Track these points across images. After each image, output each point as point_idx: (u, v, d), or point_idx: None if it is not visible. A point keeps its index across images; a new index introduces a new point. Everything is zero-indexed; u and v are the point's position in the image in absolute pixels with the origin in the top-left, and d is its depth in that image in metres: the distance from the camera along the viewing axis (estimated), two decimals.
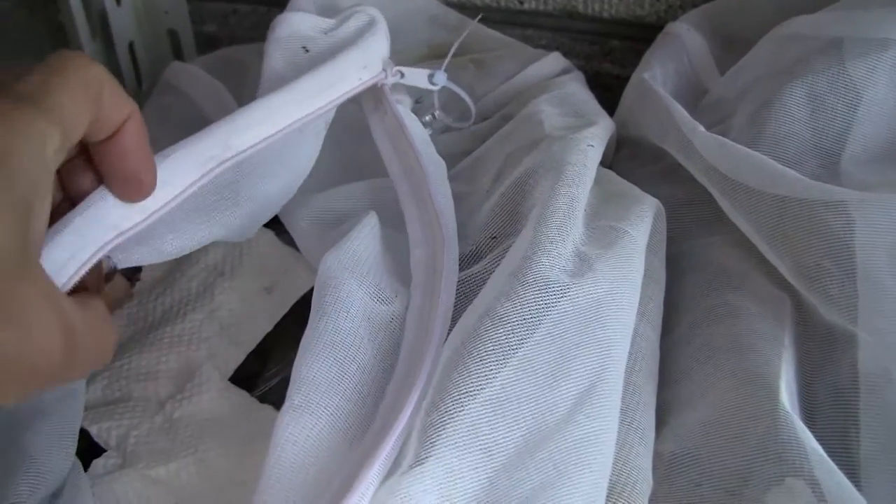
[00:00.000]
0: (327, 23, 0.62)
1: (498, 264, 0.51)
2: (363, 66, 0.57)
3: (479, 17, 0.72)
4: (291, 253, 0.58)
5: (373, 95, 0.59)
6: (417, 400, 0.41)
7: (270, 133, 0.49)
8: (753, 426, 0.46)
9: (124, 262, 0.45)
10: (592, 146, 0.57)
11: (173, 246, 0.48)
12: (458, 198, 0.58)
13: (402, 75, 0.61)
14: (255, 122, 0.48)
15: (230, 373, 0.53)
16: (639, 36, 0.79)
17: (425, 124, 0.66)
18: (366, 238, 0.50)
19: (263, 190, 0.53)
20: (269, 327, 0.54)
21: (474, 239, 0.54)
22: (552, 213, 0.49)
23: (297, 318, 0.56)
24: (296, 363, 0.43)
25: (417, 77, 0.62)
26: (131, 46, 0.86)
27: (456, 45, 0.66)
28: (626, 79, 0.72)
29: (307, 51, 0.60)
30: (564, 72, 0.73)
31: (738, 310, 0.54)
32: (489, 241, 0.54)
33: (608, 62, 0.82)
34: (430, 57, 0.77)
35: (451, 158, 0.65)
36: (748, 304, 0.54)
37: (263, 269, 0.58)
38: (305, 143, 0.57)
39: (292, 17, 0.61)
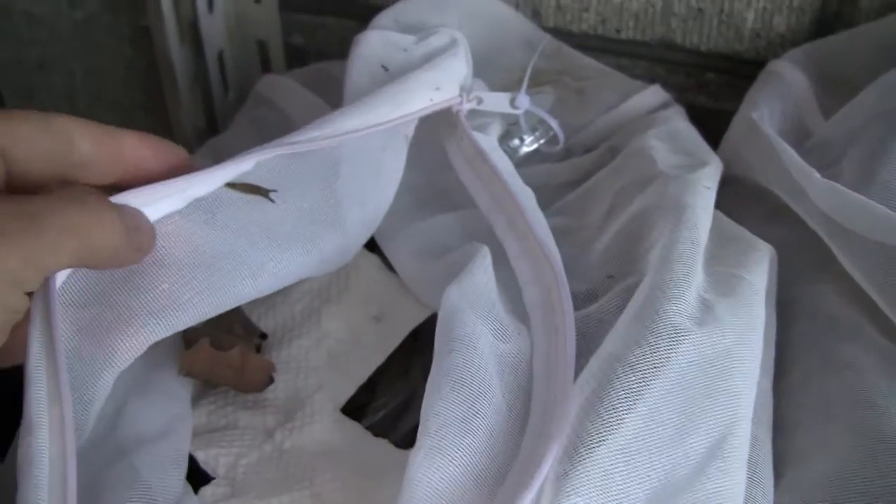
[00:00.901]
0: (406, 40, 0.61)
1: (615, 304, 0.50)
2: (435, 86, 0.56)
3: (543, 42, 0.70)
4: (397, 281, 0.57)
5: (447, 120, 0.58)
6: (556, 452, 0.40)
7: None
8: (879, 482, 0.45)
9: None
10: (709, 188, 0.56)
11: (274, 277, 0.47)
12: (566, 232, 0.57)
13: (481, 101, 0.60)
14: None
15: (341, 404, 0.52)
16: (735, 71, 0.79)
17: (513, 149, 0.65)
18: (485, 273, 0.49)
19: (359, 214, 0.53)
20: (380, 360, 0.54)
21: (589, 277, 0.53)
22: (676, 259, 0.48)
23: (403, 347, 0.55)
24: (426, 400, 0.42)
25: (498, 102, 0.61)
26: (220, 55, 0.85)
27: (531, 67, 0.65)
28: (720, 113, 0.72)
29: (386, 69, 0.59)
30: (665, 105, 0.72)
31: (853, 362, 0.52)
32: (605, 281, 0.53)
33: (703, 95, 0.81)
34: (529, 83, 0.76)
35: (553, 190, 0.65)
36: (863, 357, 0.53)
37: (371, 297, 0.57)
38: (389, 164, 0.56)
39: (372, 35, 0.61)
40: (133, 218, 0.39)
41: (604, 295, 0.52)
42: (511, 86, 0.71)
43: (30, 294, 0.37)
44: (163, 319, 0.42)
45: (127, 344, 0.42)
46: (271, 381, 0.52)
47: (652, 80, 0.74)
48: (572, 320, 0.47)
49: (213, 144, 0.72)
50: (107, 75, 0.98)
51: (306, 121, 0.63)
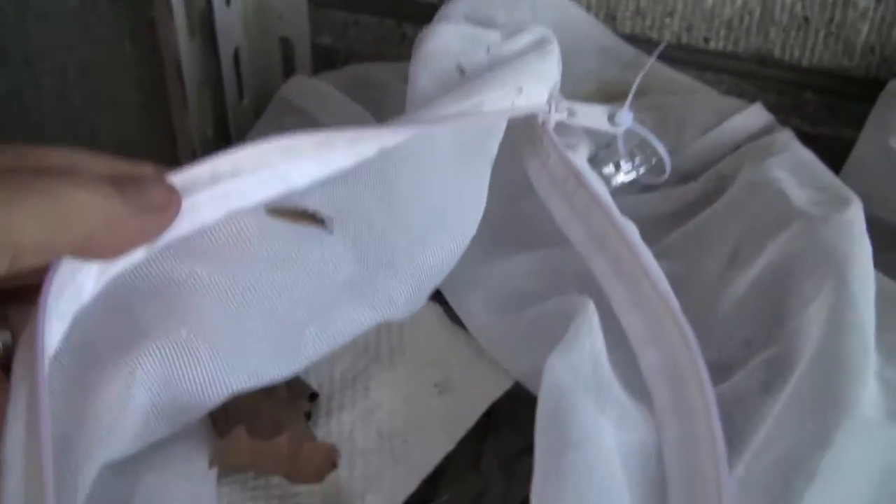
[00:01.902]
0: (490, 37, 0.49)
1: (757, 380, 0.39)
2: (518, 88, 0.44)
3: (662, 45, 0.59)
4: (466, 339, 0.45)
5: (530, 134, 0.47)
6: None
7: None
8: None
9: None
10: (865, 234, 0.44)
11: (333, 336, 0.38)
12: (676, 281, 0.45)
13: (573, 113, 0.47)
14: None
15: None
16: (838, 90, 0.68)
17: (606, 178, 0.53)
18: (595, 339, 0.37)
19: (435, 253, 0.41)
20: (448, 446, 0.41)
21: (717, 342, 0.42)
22: (851, 328, 0.38)
23: (473, 427, 0.42)
24: None
25: (593, 116, 0.49)
26: (236, 53, 0.73)
27: (638, 80, 0.53)
28: (817, 139, 0.61)
29: (463, 73, 0.47)
30: (768, 128, 0.60)
31: None
32: (741, 348, 0.41)
33: (797, 117, 0.70)
34: (601, 96, 0.64)
35: (647, 226, 0.53)
36: None
37: (432, 358, 0.45)
38: (468, 189, 0.44)
39: (446, 28, 0.49)
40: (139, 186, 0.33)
41: (741, 367, 0.41)
42: (580, 99, 0.60)
43: None
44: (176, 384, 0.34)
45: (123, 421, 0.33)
46: (334, 466, 0.39)
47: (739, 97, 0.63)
48: (713, 396, 0.35)
49: None
50: (103, 73, 0.86)
51: None
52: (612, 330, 0.39)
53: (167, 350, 0.35)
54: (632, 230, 0.42)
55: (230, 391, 0.35)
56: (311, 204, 0.38)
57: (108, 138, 0.88)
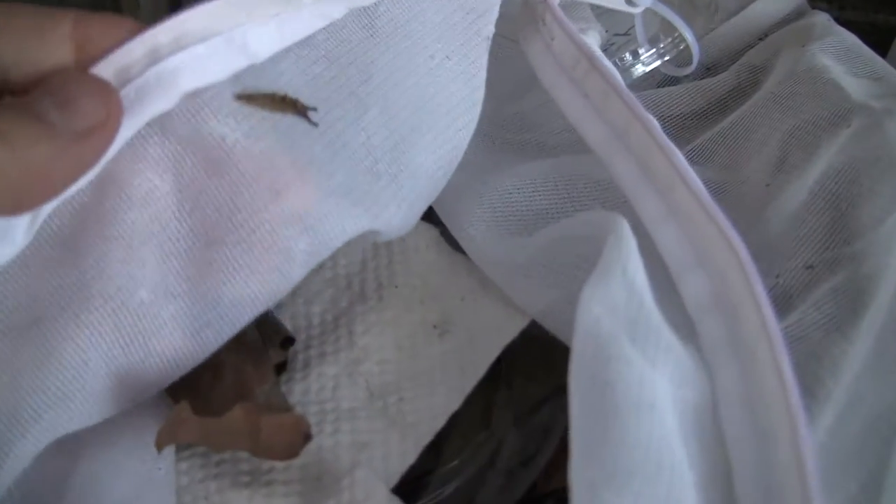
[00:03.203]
0: None
1: (826, 314, 0.32)
2: None
3: None
4: (468, 267, 0.37)
5: (529, 13, 0.38)
6: None
7: None
8: None
9: None
10: None
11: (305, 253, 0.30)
12: (714, 189, 0.39)
13: None
14: None
15: (396, 479, 0.32)
16: None
17: (624, 68, 0.45)
18: (635, 267, 0.29)
19: (416, 160, 0.33)
20: (453, 404, 0.34)
21: (773, 265, 0.34)
22: None
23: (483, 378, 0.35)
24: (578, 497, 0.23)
25: None
26: None
27: None
28: (846, 25, 0.52)
29: None
30: (799, 12, 0.52)
31: None
32: (803, 274, 0.34)
33: (823, 1, 0.62)
34: None
35: (667, 122, 0.45)
36: None
37: (428, 294, 0.37)
38: (461, 80, 0.36)
39: None
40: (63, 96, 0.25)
41: (803, 296, 0.33)
42: None
43: None
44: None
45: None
46: (307, 440, 0.31)
47: None
48: (779, 332, 0.28)
49: None
50: None
51: None
52: (643, 252, 0.32)
53: (123, 317, 0.28)
54: (656, 126, 0.34)
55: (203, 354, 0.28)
56: (287, 88, 0.30)
57: None
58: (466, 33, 0.35)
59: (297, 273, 0.30)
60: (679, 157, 0.31)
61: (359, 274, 0.38)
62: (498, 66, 0.37)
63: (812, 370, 0.31)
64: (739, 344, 0.27)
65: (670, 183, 0.31)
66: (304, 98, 0.30)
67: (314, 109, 0.30)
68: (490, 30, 0.36)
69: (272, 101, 0.29)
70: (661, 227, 0.31)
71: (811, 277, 0.34)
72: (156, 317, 0.29)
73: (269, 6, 0.29)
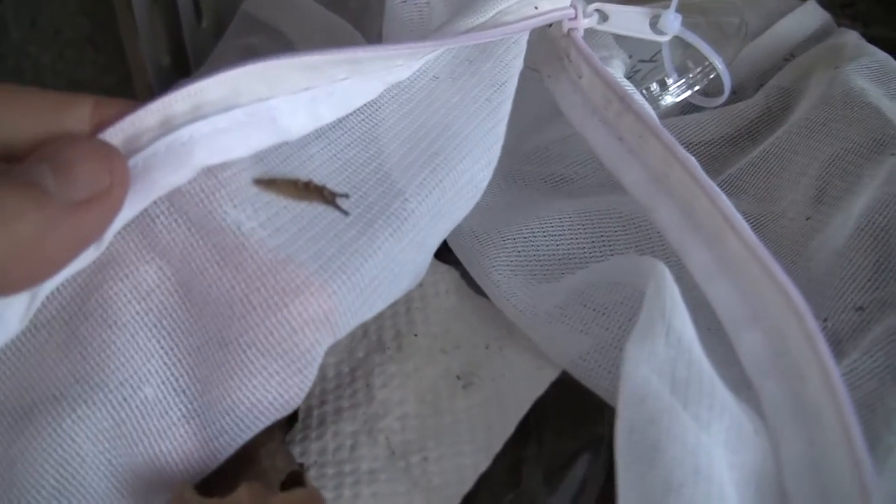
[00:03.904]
0: None
1: (881, 362, 0.30)
2: None
3: None
4: (493, 312, 0.35)
5: (553, 48, 0.36)
6: None
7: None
8: None
9: None
10: None
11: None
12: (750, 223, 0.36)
13: (605, 17, 0.37)
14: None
15: None
16: None
17: (652, 98, 0.43)
18: (682, 320, 0.27)
19: (438, 198, 0.31)
20: (482, 464, 0.31)
21: (821, 307, 0.32)
22: None
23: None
24: None
25: (631, 20, 0.38)
26: None
27: None
28: (870, 42, 0.51)
29: None
30: (825, 30, 0.51)
31: None
32: (853, 316, 0.32)
33: (847, 17, 0.61)
34: None
35: (695, 152, 0.43)
36: None
37: (450, 341, 0.35)
38: (483, 115, 0.34)
39: None
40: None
41: (854, 341, 0.31)
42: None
43: None
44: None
45: None
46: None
47: None
48: (844, 389, 0.25)
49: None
50: (43, 1, 0.76)
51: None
52: (686, 297, 0.30)
53: (126, 414, 0.26)
54: (697, 167, 0.32)
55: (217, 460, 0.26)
56: (315, 174, 0.28)
57: (55, 75, 0.78)
58: (493, 100, 0.33)
59: (316, 368, 0.27)
60: (725, 200, 0.29)
61: (375, 321, 0.35)
62: (517, 96, 0.35)
63: (866, 421, 0.29)
64: (804, 408, 0.25)
65: (719, 231, 0.29)
66: (334, 184, 0.28)
67: (346, 196, 0.28)
68: (514, 87, 0.34)
69: (296, 187, 0.27)
70: (713, 282, 0.30)
71: (862, 320, 0.32)
72: (163, 416, 0.26)
73: (299, 79, 0.27)
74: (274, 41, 0.49)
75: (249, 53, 0.50)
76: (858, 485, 0.24)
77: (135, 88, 0.69)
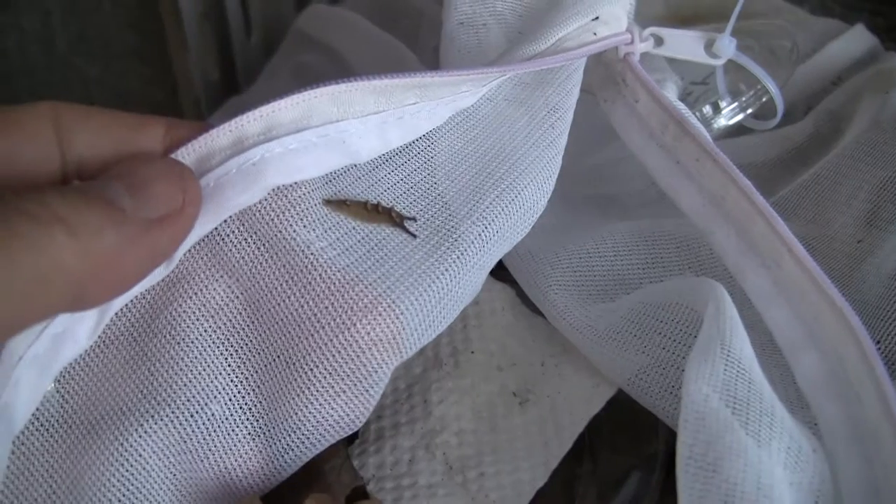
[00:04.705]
0: None
1: None
2: (594, 14, 0.35)
3: None
4: (549, 330, 0.35)
5: (609, 73, 0.37)
6: None
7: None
8: None
9: None
10: None
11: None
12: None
13: (660, 41, 0.38)
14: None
15: None
16: None
17: (705, 121, 0.44)
18: (741, 341, 0.27)
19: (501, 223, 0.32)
20: (539, 480, 0.32)
21: (874, 330, 0.32)
22: None
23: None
24: None
25: (686, 44, 0.39)
26: None
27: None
28: None
29: None
30: (873, 54, 0.51)
31: None
32: None
33: (893, 41, 0.60)
34: (672, 20, 0.55)
35: (748, 173, 0.44)
36: None
37: (506, 358, 0.36)
38: (545, 147, 0.34)
39: None
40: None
41: None
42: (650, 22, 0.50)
43: None
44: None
45: None
46: None
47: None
48: None
49: (234, 105, 0.52)
50: (91, 13, 0.76)
51: (378, 69, 0.43)
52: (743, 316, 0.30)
53: (192, 430, 0.27)
54: (754, 191, 0.33)
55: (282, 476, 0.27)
56: (383, 197, 0.28)
57: (101, 88, 0.79)
58: (557, 127, 0.34)
59: (382, 389, 0.28)
60: (781, 224, 0.29)
61: (433, 341, 0.36)
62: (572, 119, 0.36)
63: None
64: (862, 429, 0.26)
65: (776, 254, 0.30)
66: (401, 208, 0.29)
67: (413, 219, 0.28)
68: (572, 113, 0.35)
69: (365, 209, 0.28)
70: (770, 304, 0.30)
71: None
72: (230, 433, 0.27)
73: (369, 102, 0.27)
74: (328, 60, 0.50)
75: (304, 71, 0.51)
76: None
77: (181, 102, 0.70)
